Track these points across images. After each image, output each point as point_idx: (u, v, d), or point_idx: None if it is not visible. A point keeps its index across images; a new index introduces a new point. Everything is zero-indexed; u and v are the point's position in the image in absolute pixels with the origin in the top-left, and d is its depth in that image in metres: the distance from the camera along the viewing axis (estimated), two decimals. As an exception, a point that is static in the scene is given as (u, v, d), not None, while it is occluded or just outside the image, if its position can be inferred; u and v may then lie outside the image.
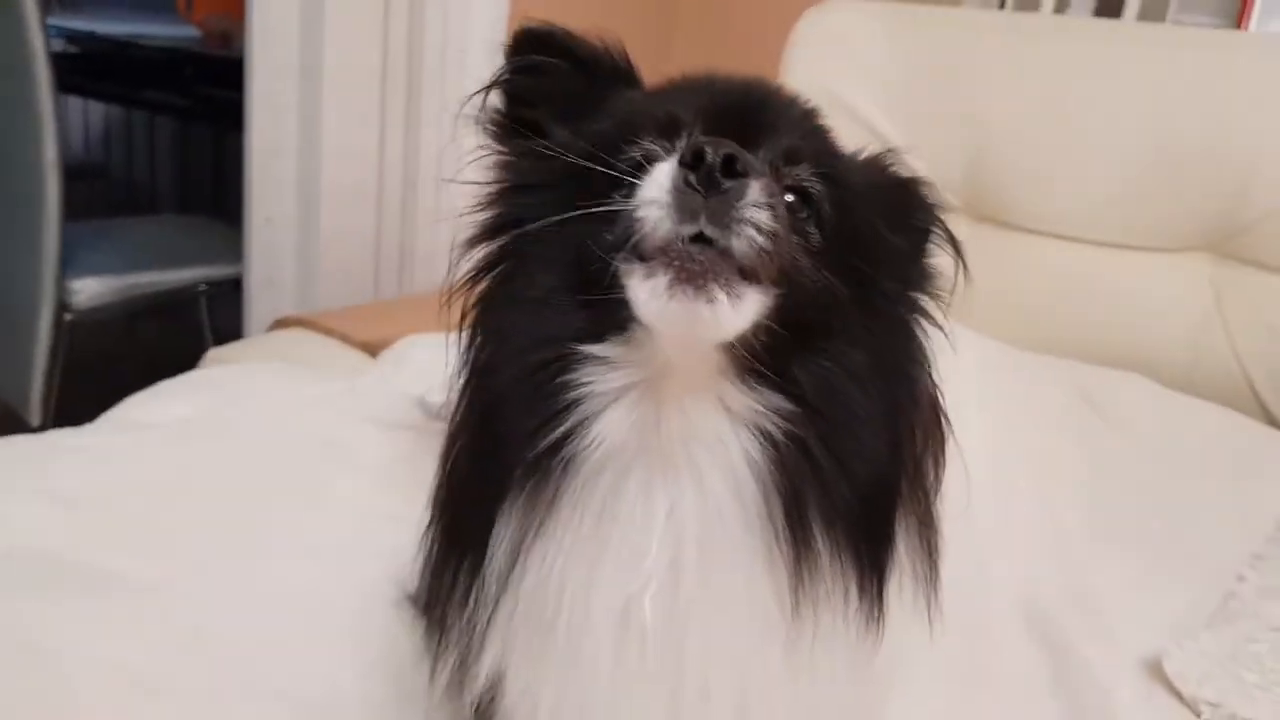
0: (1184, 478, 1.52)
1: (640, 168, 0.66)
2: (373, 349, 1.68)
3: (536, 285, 0.70)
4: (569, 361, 0.68)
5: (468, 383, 0.75)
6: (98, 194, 3.79)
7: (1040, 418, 1.55)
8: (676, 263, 0.61)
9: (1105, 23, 2.23)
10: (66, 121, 3.71)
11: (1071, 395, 1.66)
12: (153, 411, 1.34)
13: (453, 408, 0.77)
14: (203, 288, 2.74)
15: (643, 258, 0.63)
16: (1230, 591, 1.25)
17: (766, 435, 0.68)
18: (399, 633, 0.98)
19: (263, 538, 1.09)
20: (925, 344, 0.76)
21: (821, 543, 0.68)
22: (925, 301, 0.78)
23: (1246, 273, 1.79)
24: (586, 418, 0.67)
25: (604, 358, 0.68)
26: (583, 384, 0.67)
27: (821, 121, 0.77)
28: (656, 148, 0.68)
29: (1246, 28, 2.19)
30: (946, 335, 0.77)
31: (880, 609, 0.71)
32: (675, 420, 0.68)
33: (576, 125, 0.74)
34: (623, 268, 0.64)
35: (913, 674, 0.96)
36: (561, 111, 0.75)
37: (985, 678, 1.10)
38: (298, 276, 2.34)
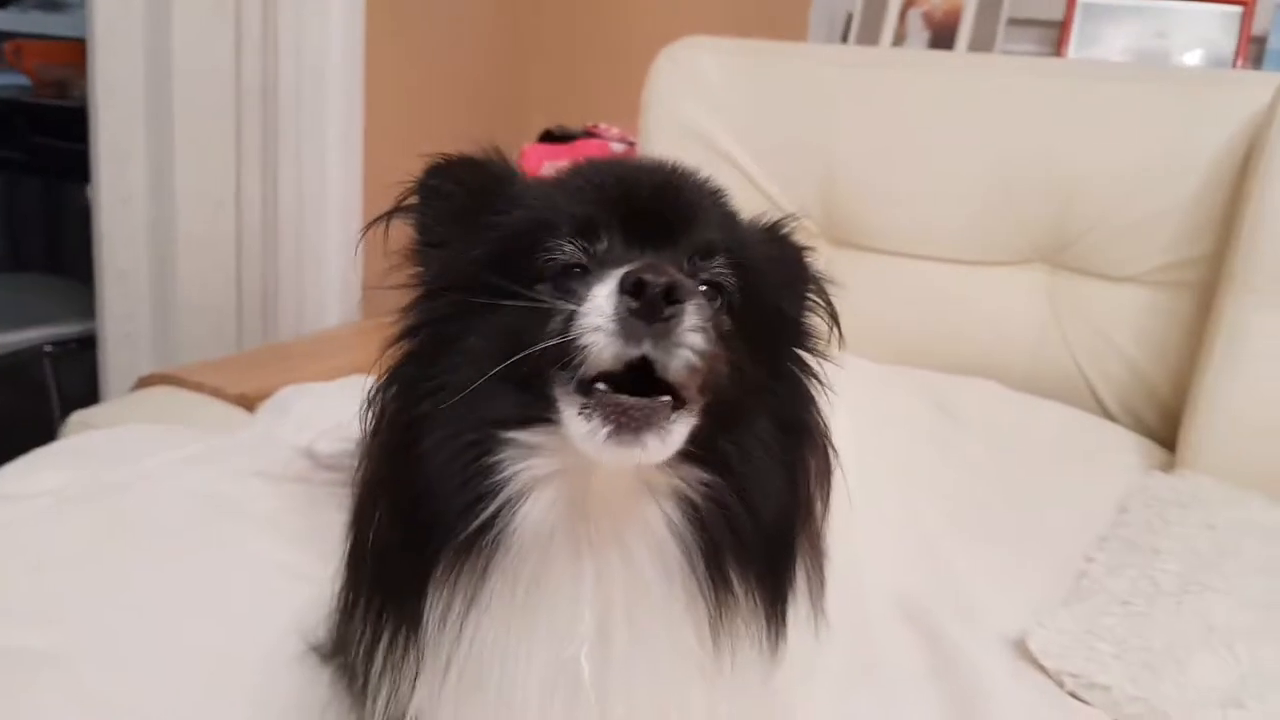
0: (1033, 473, 1.65)
1: (565, 270, 0.73)
2: (249, 402, 1.66)
3: (463, 372, 0.73)
4: (496, 444, 0.73)
5: (386, 451, 0.79)
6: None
7: (899, 425, 1.68)
8: (614, 415, 0.67)
9: (940, 54, 2.41)
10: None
11: (926, 402, 1.79)
12: (27, 483, 1.30)
13: (363, 465, 0.82)
14: (48, 348, 2.66)
15: (581, 383, 0.68)
16: (1082, 572, 1.39)
17: (686, 500, 0.75)
18: (304, 685, 0.99)
19: (158, 599, 1.09)
20: (813, 387, 0.85)
21: (738, 585, 0.76)
22: (810, 355, 0.88)
23: (1077, 281, 1.95)
24: (513, 499, 0.73)
25: (531, 444, 0.73)
26: (509, 467, 0.73)
27: (726, 202, 0.85)
28: (575, 250, 0.74)
29: (1066, 54, 2.39)
30: (825, 382, 0.87)
31: (783, 628, 0.80)
32: (600, 499, 0.75)
33: (480, 228, 0.79)
34: (560, 393, 0.70)
35: (811, 677, 1.02)
36: (465, 224, 0.81)
37: (872, 670, 1.19)
38: (155, 330, 2.29)
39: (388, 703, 0.78)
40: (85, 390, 2.37)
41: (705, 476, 0.75)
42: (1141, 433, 1.87)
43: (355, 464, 0.86)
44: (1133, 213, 1.88)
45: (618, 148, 2.56)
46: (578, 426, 0.68)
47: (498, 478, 0.72)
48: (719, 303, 0.77)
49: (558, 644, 0.73)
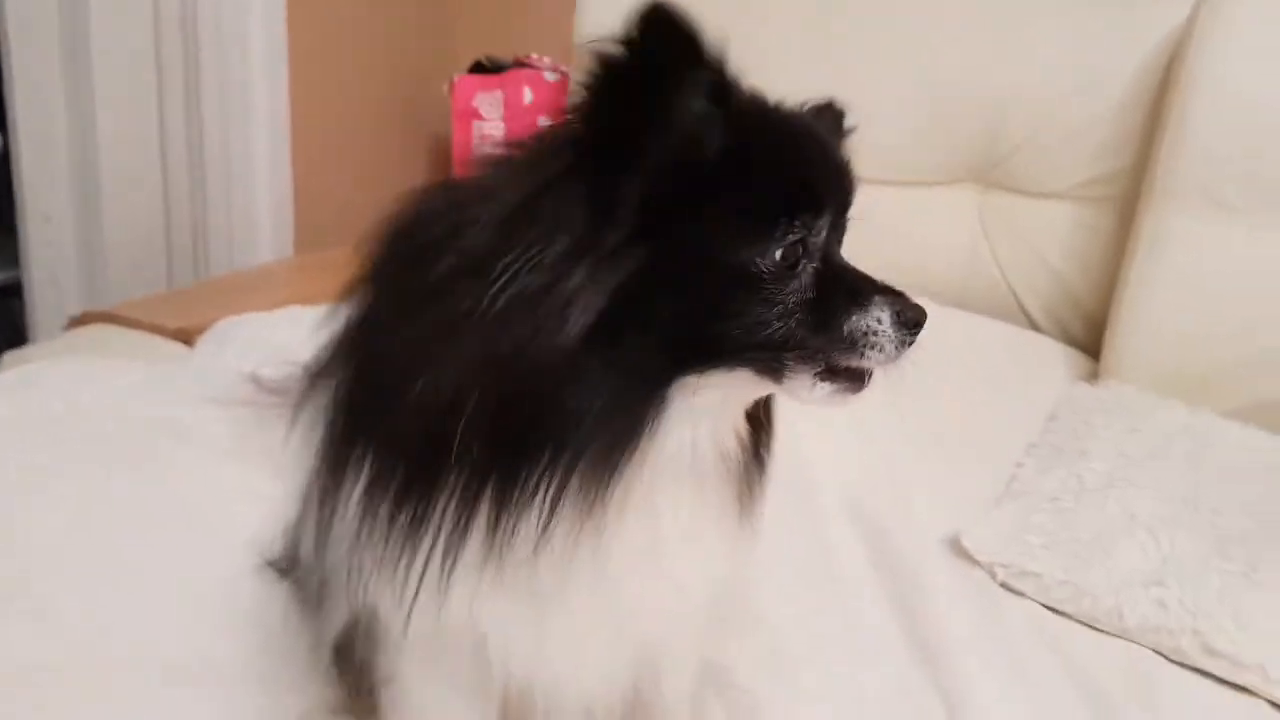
0: (966, 385, 1.71)
1: (788, 241, 0.74)
2: (187, 336, 1.65)
3: (661, 326, 0.73)
4: (668, 384, 0.74)
5: (527, 363, 0.72)
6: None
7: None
8: (845, 380, 0.77)
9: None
10: None
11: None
12: None
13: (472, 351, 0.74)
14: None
15: (829, 368, 0.76)
16: (1013, 476, 1.46)
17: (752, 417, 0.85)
18: (263, 597, 1.02)
19: (115, 520, 1.11)
20: None
21: (760, 472, 0.87)
22: None
23: (1005, 198, 2.01)
24: (667, 434, 0.75)
25: (699, 386, 0.75)
26: (673, 404, 0.75)
27: None
28: (811, 226, 0.76)
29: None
30: None
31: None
32: (723, 425, 0.82)
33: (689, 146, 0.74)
34: (792, 364, 0.75)
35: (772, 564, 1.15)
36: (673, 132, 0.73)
37: (822, 560, 1.27)
38: (82, 273, 2.25)
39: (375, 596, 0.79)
40: (10, 338, 2.32)
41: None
42: (1069, 344, 1.94)
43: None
44: (1058, 128, 1.93)
45: (551, 78, 2.55)
46: (806, 389, 0.77)
47: (659, 414, 0.74)
48: None
49: (643, 552, 0.78)
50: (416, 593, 0.75)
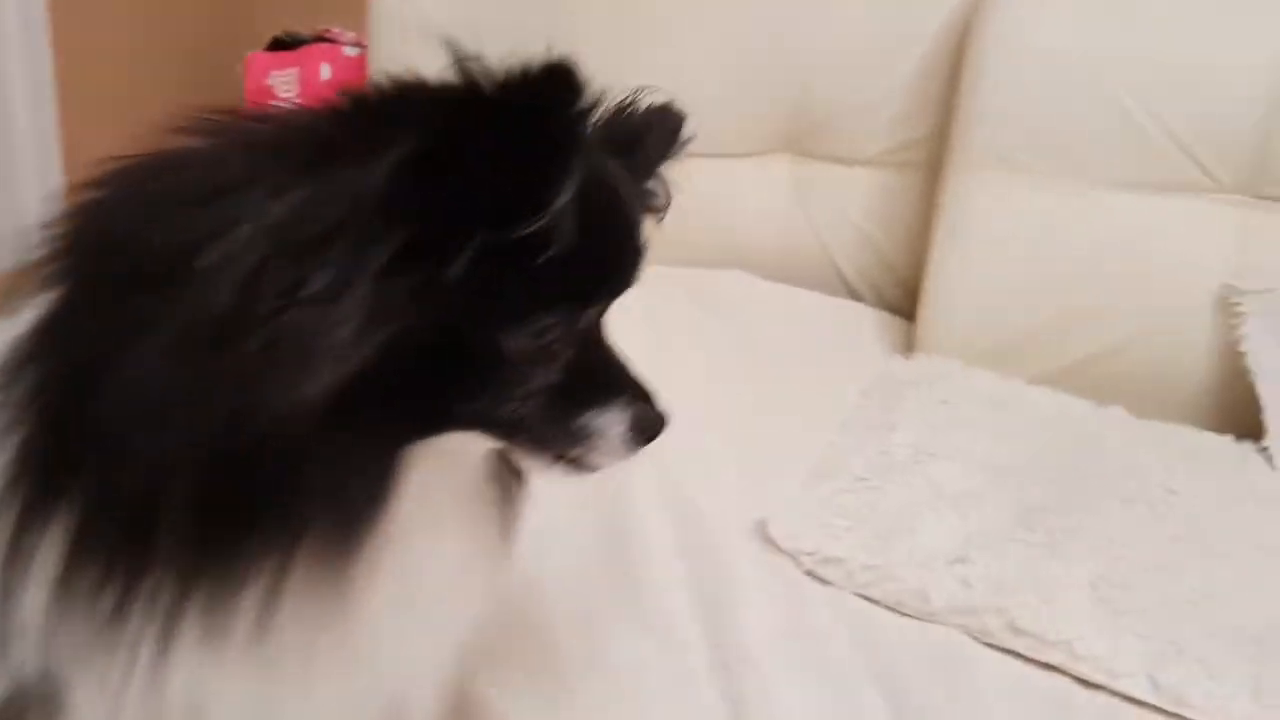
0: (780, 359, 1.66)
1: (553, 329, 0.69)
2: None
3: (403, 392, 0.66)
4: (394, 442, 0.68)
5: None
6: None
7: (650, 318, 1.65)
8: (575, 464, 0.74)
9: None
10: None
11: (678, 295, 1.77)
12: None
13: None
14: None
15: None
16: (822, 455, 1.40)
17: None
18: None
19: None
20: None
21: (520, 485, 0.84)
22: None
23: (818, 167, 1.96)
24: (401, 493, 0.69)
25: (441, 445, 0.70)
26: (403, 463, 0.69)
27: None
28: (563, 322, 0.70)
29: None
30: None
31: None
32: (460, 465, 0.77)
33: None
34: (527, 446, 0.74)
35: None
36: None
37: (624, 541, 1.21)
38: None
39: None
40: None
41: None
42: (888, 311, 1.91)
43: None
44: (863, 96, 1.89)
45: (351, 52, 2.39)
46: (545, 467, 0.75)
47: (398, 476, 0.68)
48: None
49: (398, 591, 0.72)
50: (125, 678, 0.65)
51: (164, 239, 0.61)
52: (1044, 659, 1.09)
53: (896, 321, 1.87)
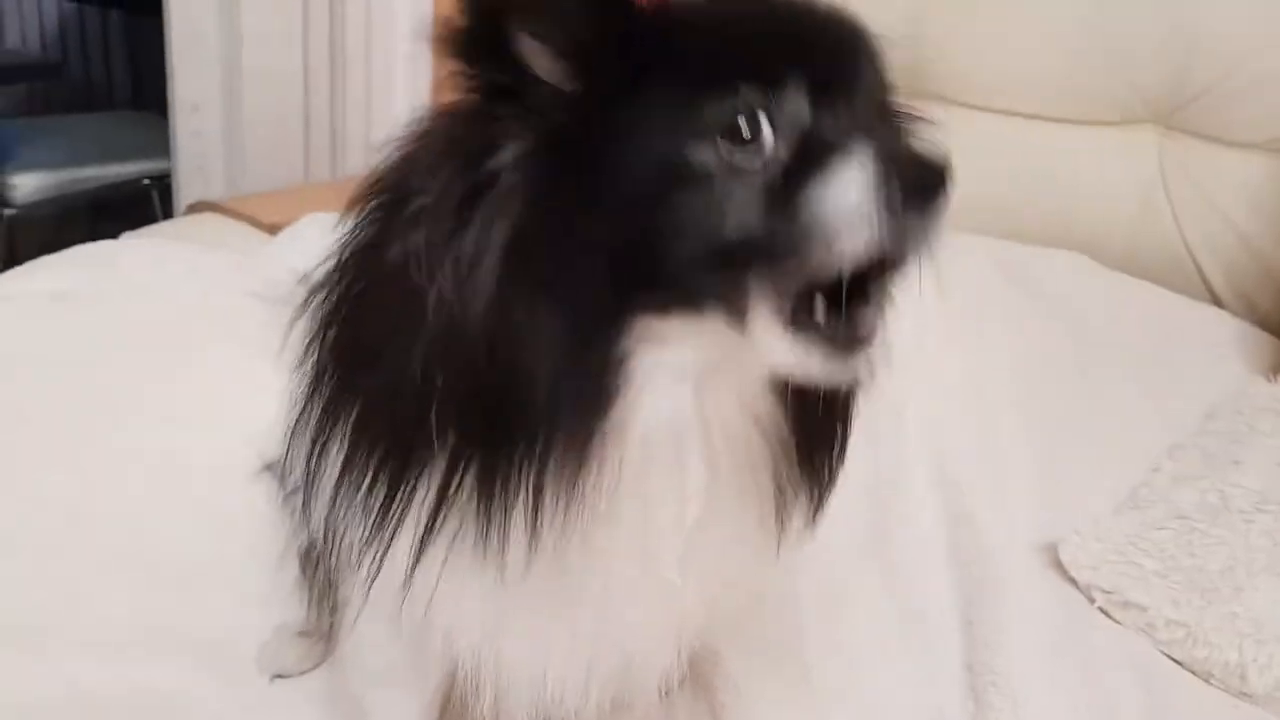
0: (1112, 362, 1.45)
1: (731, 130, 0.56)
2: (279, 230, 1.60)
3: (593, 254, 0.58)
4: (624, 329, 0.59)
5: (464, 311, 0.59)
6: (55, 91, 3.67)
7: (962, 294, 1.47)
8: (838, 341, 0.57)
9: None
10: (22, 19, 3.64)
11: (997, 274, 1.57)
12: (23, 285, 1.30)
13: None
14: (146, 182, 2.68)
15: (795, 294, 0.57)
16: (1144, 481, 1.18)
17: (783, 395, 0.66)
18: (255, 500, 0.94)
19: (124, 405, 1.08)
20: None
21: (804, 472, 0.69)
22: None
23: (1191, 145, 1.70)
24: (638, 394, 0.61)
25: (664, 336, 0.60)
26: (638, 359, 0.60)
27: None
28: (760, 103, 0.56)
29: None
30: None
31: (824, 507, 0.73)
32: (720, 395, 0.65)
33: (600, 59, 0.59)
34: (756, 298, 0.57)
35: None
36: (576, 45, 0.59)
37: (890, 535, 1.10)
38: (227, 162, 2.24)
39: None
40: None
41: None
42: (1255, 322, 1.63)
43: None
44: (1259, 70, 1.61)
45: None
46: (784, 347, 0.58)
47: (623, 371, 0.60)
48: None
49: (642, 561, 0.66)
50: (377, 572, 0.66)
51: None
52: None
53: (1264, 338, 1.58)
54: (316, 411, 0.70)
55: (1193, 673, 0.96)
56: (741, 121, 0.56)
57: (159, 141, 2.69)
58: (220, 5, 2.12)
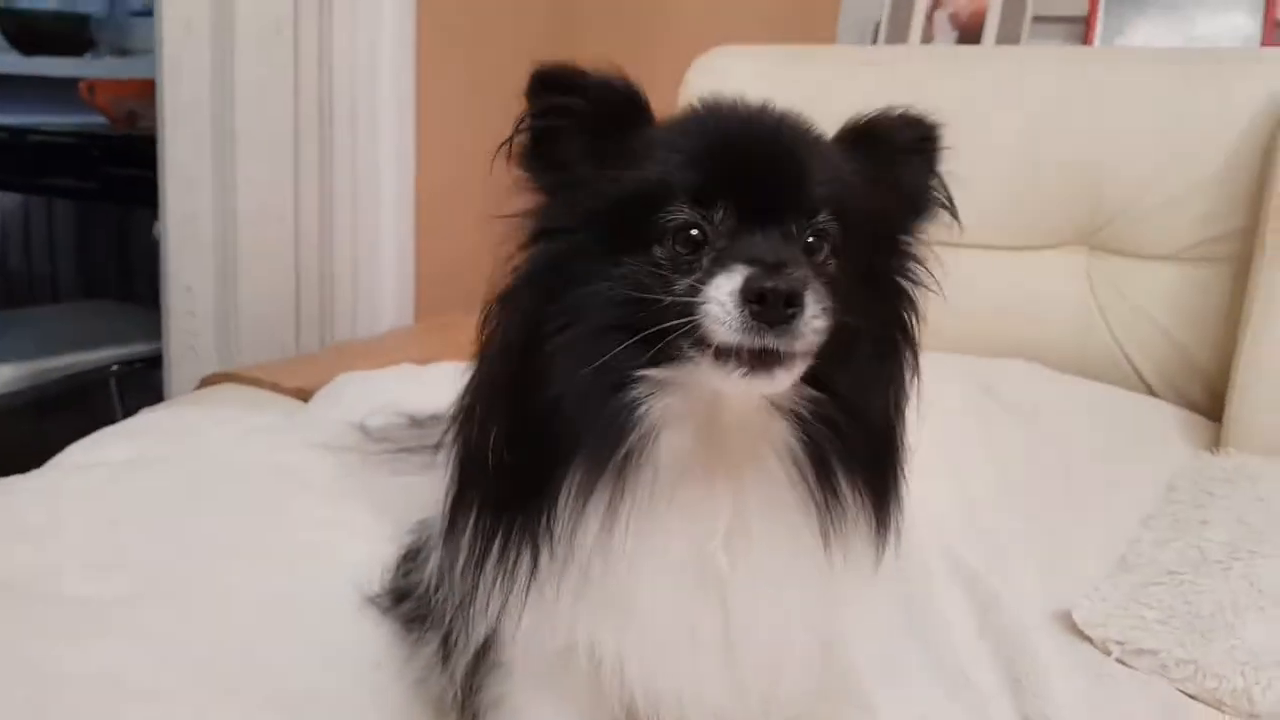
0: (1077, 455, 1.59)
1: (683, 234, 0.76)
2: (305, 394, 1.67)
3: (591, 314, 0.76)
4: (630, 379, 0.76)
5: (508, 372, 0.80)
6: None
7: (942, 405, 1.63)
8: (744, 365, 0.72)
9: (970, 48, 2.36)
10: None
11: (970, 386, 1.74)
12: (95, 454, 1.35)
13: (478, 378, 0.84)
14: (115, 368, 2.70)
15: (711, 347, 0.72)
16: (1129, 548, 1.31)
17: (799, 418, 0.80)
18: (366, 632, 1.02)
19: (225, 550, 1.11)
20: (911, 291, 0.87)
21: (846, 488, 0.81)
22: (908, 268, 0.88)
23: (1114, 261, 1.90)
24: (653, 428, 0.77)
25: (661, 380, 0.77)
26: (646, 400, 0.77)
27: (825, 143, 0.85)
28: (694, 217, 0.76)
29: (1093, 44, 2.31)
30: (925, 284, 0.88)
31: (889, 526, 0.85)
32: (729, 423, 0.80)
33: (601, 162, 0.80)
34: (689, 350, 0.73)
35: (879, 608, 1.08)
36: (585, 147, 0.81)
37: (927, 617, 1.18)
38: (218, 341, 2.32)
39: (491, 617, 0.81)
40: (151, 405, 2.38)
41: (815, 394, 0.79)
42: (1187, 408, 1.80)
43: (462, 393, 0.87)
44: (1165, 191, 1.83)
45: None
46: (712, 374, 0.73)
47: (636, 411, 0.76)
48: (825, 250, 0.79)
49: (691, 551, 0.78)
50: (502, 607, 0.79)
51: None
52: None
53: (1198, 420, 1.75)
54: (451, 504, 0.85)
55: (1205, 703, 1.07)
56: (683, 231, 0.75)
57: (124, 328, 2.76)
58: (215, 191, 2.23)
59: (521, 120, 0.81)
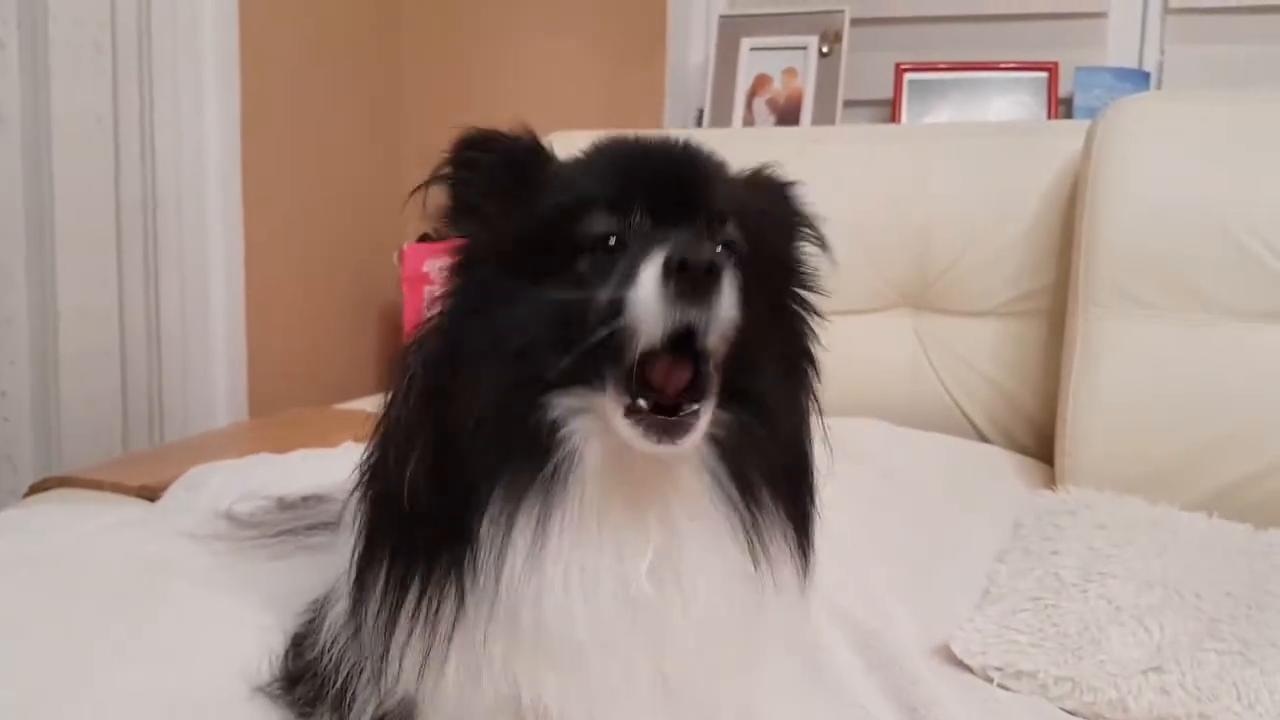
0: (925, 499, 1.67)
1: (601, 245, 0.78)
2: (150, 493, 1.54)
3: (511, 338, 0.77)
4: (547, 403, 0.77)
5: (424, 406, 0.80)
6: None
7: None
8: (655, 427, 0.74)
9: (788, 129, 2.50)
10: None
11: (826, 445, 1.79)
12: None
13: (388, 421, 0.84)
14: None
15: (628, 375, 0.74)
16: (990, 582, 1.38)
17: (714, 438, 0.81)
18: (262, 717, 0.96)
19: (100, 650, 1.02)
20: (808, 318, 0.92)
21: (769, 501, 0.83)
22: (806, 290, 0.95)
23: (939, 320, 2.02)
24: (572, 450, 0.77)
25: (577, 406, 0.78)
26: (564, 423, 0.78)
27: (727, 169, 0.89)
28: (611, 225, 0.79)
29: (900, 122, 2.50)
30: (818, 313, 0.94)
31: (811, 543, 0.89)
32: None
33: (517, 198, 0.82)
34: (609, 384, 0.75)
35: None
36: (501, 195, 0.84)
37: (816, 654, 1.20)
38: (37, 450, 2.11)
39: (408, 671, 0.79)
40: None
41: (727, 416, 0.81)
42: (1018, 451, 1.91)
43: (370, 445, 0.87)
44: (978, 254, 1.97)
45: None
46: (624, 429, 0.75)
47: (559, 431, 0.77)
48: (732, 260, 0.80)
49: (622, 579, 0.77)
50: (423, 662, 0.77)
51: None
52: (1251, 763, 1.04)
53: (1030, 461, 1.87)
54: (359, 571, 0.83)
55: (1085, 717, 1.12)
56: (602, 239, 0.78)
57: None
58: (32, 290, 2.07)
59: (440, 170, 0.85)
